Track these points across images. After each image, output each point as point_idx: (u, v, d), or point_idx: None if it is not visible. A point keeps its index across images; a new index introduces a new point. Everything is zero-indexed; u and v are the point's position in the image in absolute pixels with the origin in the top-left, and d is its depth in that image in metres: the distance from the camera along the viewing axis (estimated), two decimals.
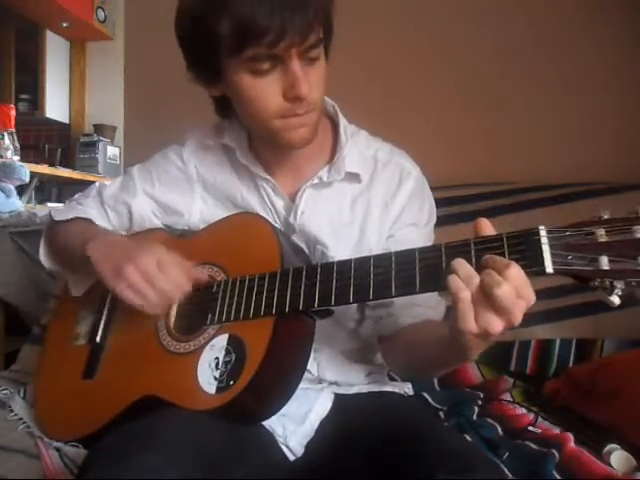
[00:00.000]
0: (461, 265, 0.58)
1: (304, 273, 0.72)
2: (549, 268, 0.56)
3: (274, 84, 0.76)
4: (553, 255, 0.56)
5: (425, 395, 1.20)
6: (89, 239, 0.85)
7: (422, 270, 0.63)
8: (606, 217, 0.56)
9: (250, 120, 0.84)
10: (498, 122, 1.95)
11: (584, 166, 1.71)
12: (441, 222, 0.99)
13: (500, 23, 1.95)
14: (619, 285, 0.55)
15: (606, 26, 1.85)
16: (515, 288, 0.55)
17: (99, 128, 2.51)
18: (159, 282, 0.76)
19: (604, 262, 0.54)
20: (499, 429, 1.04)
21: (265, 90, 0.76)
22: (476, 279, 0.57)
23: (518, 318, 0.56)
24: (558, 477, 0.87)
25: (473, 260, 0.60)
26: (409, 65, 2.03)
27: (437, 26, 2.01)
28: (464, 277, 0.58)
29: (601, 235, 0.55)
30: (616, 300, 0.55)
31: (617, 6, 1.83)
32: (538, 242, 0.57)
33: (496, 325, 0.57)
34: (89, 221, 0.95)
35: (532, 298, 0.57)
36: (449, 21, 1.99)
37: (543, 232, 0.57)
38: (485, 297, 0.56)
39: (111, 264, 0.79)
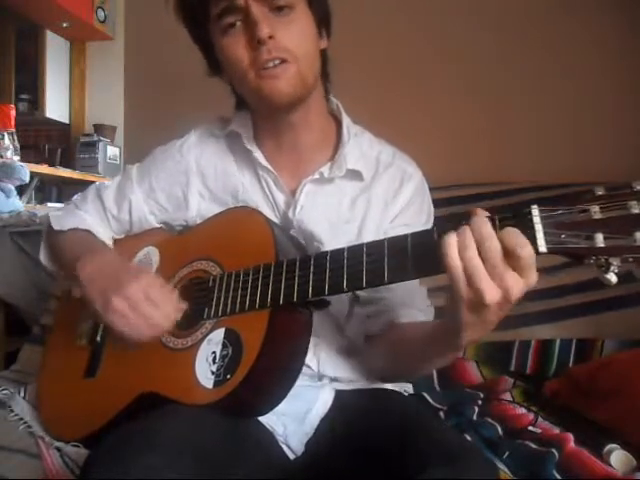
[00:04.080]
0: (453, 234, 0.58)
1: (297, 264, 0.72)
2: (542, 247, 0.55)
3: (240, 37, 0.80)
4: (546, 234, 0.55)
5: (425, 395, 1.19)
6: (80, 257, 0.85)
7: (414, 254, 0.63)
8: (600, 194, 0.55)
9: (237, 83, 0.86)
10: (498, 122, 1.95)
11: (584, 166, 1.70)
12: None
13: (501, 23, 1.95)
14: (615, 262, 0.53)
15: (607, 26, 1.85)
16: (506, 250, 0.55)
17: (99, 128, 2.51)
18: (147, 313, 0.75)
19: (599, 239, 0.53)
20: (499, 429, 1.04)
21: (234, 44, 0.80)
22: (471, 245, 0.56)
23: (513, 293, 0.56)
24: (558, 477, 0.87)
25: None
26: (410, 65, 2.03)
27: (438, 24, 2.01)
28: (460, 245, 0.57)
29: (595, 212, 0.54)
30: (613, 278, 0.54)
31: (619, 6, 1.84)
32: (531, 222, 0.56)
33: (518, 285, 0.56)
34: (87, 231, 0.95)
35: (533, 277, 0.56)
36: (450, 19, 1.99)
37: (535, 212, 0.56)
38: (507, 258, 0.55)
39: (98, 291, 0.78)
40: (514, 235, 0.55)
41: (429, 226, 0.94)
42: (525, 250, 0.54)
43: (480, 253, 0.56)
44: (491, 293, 0.56)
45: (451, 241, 0.57)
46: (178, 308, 0.78)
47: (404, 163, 0.94)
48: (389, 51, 2.05)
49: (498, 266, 0.55)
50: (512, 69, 1.94)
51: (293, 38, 0.79)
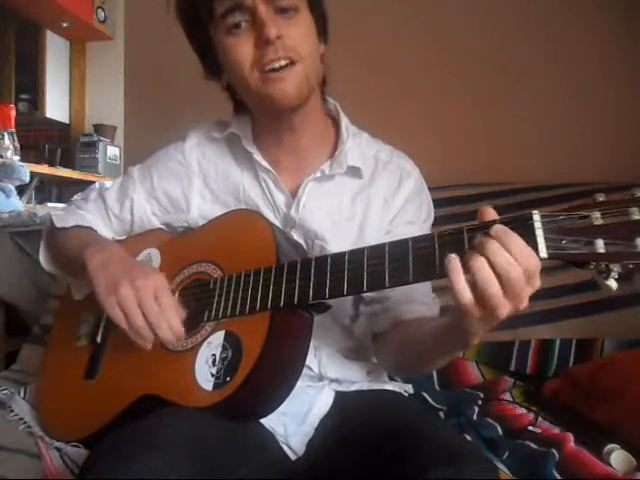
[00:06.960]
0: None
1: (298, 267, 0.72)
2: (543, 253, 0.55)
3: (247, 37, 0.80)
4: (547, 240, 0.55)
5: (425, 395, 1.19)
6: (87, 246, 0.84)
7: (415, 259, 0.63)
8: (601, 200, 0.55)
9: (239, 85, 0.85)
10: (498, 122, 1.95)
11: (584, 166, 1.71)
12: (441, 222, 0.99)
13: (501, 22, 1.95)
14: (615, 268, 0.54)
15: (606, 26, 1.85)
16: (526, 272, 0.55)
17: (99, 128, 2.52)
18: (150, 311, 0.73)
19: (599, 245, 0.53)
20: (499, 429, 1.04)
21: (240, 44, 0.80)
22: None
23: (524, 303, 0.56)
24: (558, 477, 0.87)
25: (466, 247, 0.59)
26: (410, 65, 2.03)
27: (438, 24, 2.01)
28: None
29: (596, 218, 0.54)
30: (613, 284, 0.54)
31: (618, 5, 1.84)
32: (532, 227, 0.56)
33: (527, 293, 0.56)
34: (89, 228, 0.95)
35: (538, 283, 0.56)
36: (449, 18, 2.00)
37: (537, 217, 0.56)
38: (496, 277, 0.55)
39: (107, 276, 0.77)
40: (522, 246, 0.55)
41: (430, 222, 0.95)
42: (532, 263, 0.54)
43: (493, 269, 0.55)
44: (505, 308, 0.56)
45: (455, 266, 0.56)
46: (180, 319, 0.76)
47: (402, 160, 0.95)
48: (388, 50, 2.05)
49: (514, 283, 0.55)
50: (512, 69, 1.94)
51: (299, 38, 0.80)
